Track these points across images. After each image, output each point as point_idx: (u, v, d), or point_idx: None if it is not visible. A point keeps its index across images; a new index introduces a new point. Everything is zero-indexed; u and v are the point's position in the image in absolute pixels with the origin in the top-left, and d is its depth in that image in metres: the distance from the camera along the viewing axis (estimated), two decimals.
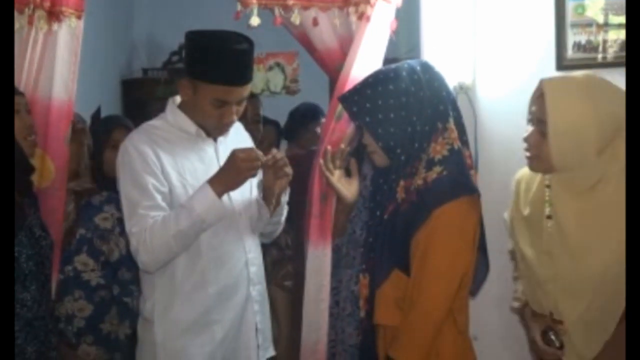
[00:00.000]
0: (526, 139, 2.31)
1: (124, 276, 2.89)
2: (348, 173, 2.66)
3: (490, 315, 3.02)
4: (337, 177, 2.60)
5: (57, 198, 2.71)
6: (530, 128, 2.31)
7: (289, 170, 2.51)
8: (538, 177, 2.36)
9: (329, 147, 2.65)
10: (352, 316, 2.83)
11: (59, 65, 2.74)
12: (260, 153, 2.45)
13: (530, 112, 2.31)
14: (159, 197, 2.43)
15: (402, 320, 2.27)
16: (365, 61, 2.82)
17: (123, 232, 2.80)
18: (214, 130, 2.55)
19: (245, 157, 2.41)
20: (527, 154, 2.32)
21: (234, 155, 2.42)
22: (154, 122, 2.58)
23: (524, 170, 2.45)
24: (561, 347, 2.32)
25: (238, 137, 2.68)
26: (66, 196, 2.79)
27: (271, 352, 2.71)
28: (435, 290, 2.23)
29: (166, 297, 2.49)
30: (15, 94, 2.47)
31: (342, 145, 2.68)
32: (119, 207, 2.81)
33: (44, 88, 2.71)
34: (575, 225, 2.23)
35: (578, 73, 2.36)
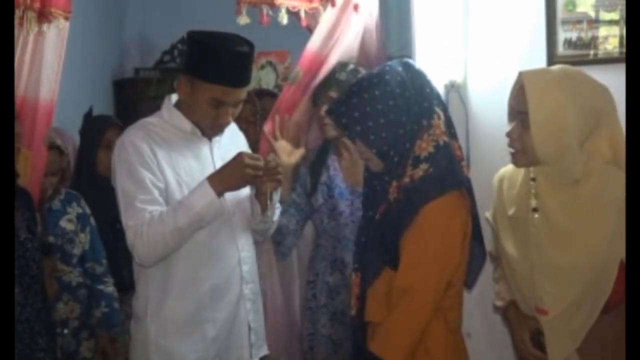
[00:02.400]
0: (509, 134, 2.33)
1: (95, 270, 2.90)
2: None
3: (484, 312, 3.02)
4: (279, 144, 2.90)
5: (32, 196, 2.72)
6: (512, 124, 2.33)
7: (281, 177, 2.54)
8: (521, 175, 2.37)
9: (277, 116, 2.94)
10: (326, 307, 2.93)
11: (45, 66, 2.75)
12: (263, 162, 2.46)
13: (510, 107, 2.33)
14: (156, 192, 2.43)
15: (386, 317, 2.27)
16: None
17: (83, 228, 2.82)
18: (209, 130, 2.55)
19: (252, 165, 2.42)
20: (511, 149, 2.34)
21: (241, 160, 2.43)
22: (150, 119, 2.59)
23: (506, 169, 2.47)
24: None
25: (232, 137, 2.69)
26: None
27: (265, 351, 2.72)
28: (422, 290, 2.23)
29: (159, 294, 2.50)
30: None
31: (289, 117, 2.94)
32: (79, 204, 2.84)
33: (33, 89, 2.73)
34: (561, 215, 2.26)
35: (554, 66, 2.40)
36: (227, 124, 2.54)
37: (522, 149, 2.30)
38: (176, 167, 2.50)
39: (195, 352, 2.50)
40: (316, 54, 3.00)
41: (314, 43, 3.01)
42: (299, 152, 2.94)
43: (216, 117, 2.48)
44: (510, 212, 2.38)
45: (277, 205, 2.68)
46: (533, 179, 2.32)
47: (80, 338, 2.83)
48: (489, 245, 2.54)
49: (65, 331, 2.80)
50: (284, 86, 3.13)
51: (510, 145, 2.33)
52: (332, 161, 2.95)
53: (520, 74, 2.30)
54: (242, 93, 2.50)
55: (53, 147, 2.94)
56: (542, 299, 2.29)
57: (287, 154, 2.90)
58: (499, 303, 2.50)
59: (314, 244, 2.99)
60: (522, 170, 2.38)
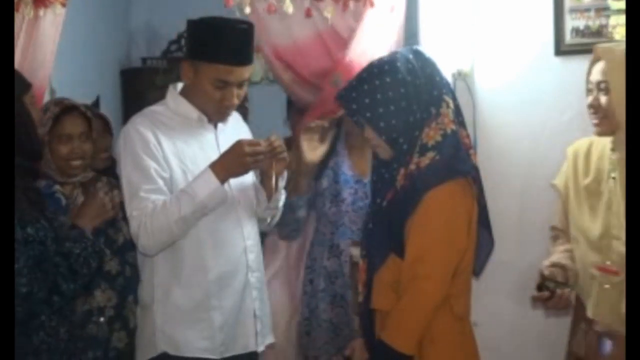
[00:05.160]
0: (591, 105, 2.49)
1: (135, 260, 2.92)
2: None
3: (492, 301, 3.02)
4: (306, 137, 2.78)
5: None
6: (590, 97, 2.49)
7: (286, 155, 2.54)
8: (599, 147, 2.54)
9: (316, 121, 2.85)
10: (325, 291, 2.94)
11: (40, 53, 2.76)
12: (264, 147, 2.46)
13: (588, 82, 2.51)
14: (160, 182, 2.45)
15: (395, 305, 2.28)
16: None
17: (125, 217, 2.82)
18: (215, 114, 2.56)
19: (251, 152, 2.43)
20: (595, 119, 2.49)
21: (241, 147, 2.43)
22: (155, 108, 2.60)
23: (580, 144, 2.62)
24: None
25: (237, 127, 2.69)
26: (73, 190, 2.81)
27: (270, 339, 2.73)
28: (427, 278, 2.23)
29: (165, 282, 2.51)
30: (32, 87, 2.44)
31: (325, 124, 2.83)
32: (120, 192, 2.84)
33: (27, 74, 2.73)
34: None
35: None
36: (232, 105, 2.53)
37: (604, 116, 2.45)
38: (181, 156, 2.50)
39: (202, 340, 2.51)
40: (356, 62, 2.95)
41: (354, 51, 2.98)
42: (323, 149, 2.91)
43: (221, 98, 2.48)
44: (586, 181, 2.52)
45: (283, 192, 2.69)
46: (613, 149, 2.47)
47: (113, 328, 2.83)
48: (553, 218, 2.68)
49: (102, 319, 2.81)
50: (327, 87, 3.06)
51: (594, 114, 2.48)
52: (341, 148, 2.95)
53: (596, 49, 2.50)
54: (246, 72, 2.50)
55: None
56: (613, 260, 2.43)
57: (312, 149, 2.87)
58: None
59: (312, 229, 2.99)
60: (599, 144, 2.55)
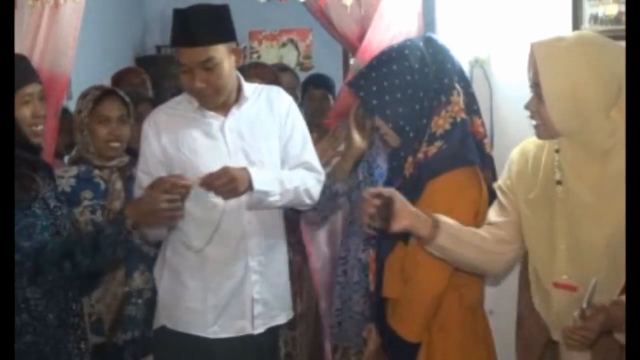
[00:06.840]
0: (526, 106, 2.21)
1: None
2: None
3: (507, 290, 3.01)
4: (355, 123, 2.71)
5: None
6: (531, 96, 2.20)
7: (231, 187, 2.46)
8: (545, 153, 2.25)
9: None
10: (359, 284, 2.94)
11: (61, 40, 2.78)
12: (174, 197, 2.31)
13: (529, 79, 2.20)
14: (145, 184, 2.48)
15: (401, 292, 2.29)
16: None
17: None
18: (199, 100, 2.59)
19: (167, 199, 2.30)
20: (533, 122, 2.21)
21: (154, 195, 2.31)
22: (177, 98, 2.68)
23: (527, 145, 2.33)
24: None
25: (261, 111, 2.67)
26: (111, 174, 2.90)
27: (281, 320, 2.76)
28: (431, 262, 2.23)
29: (169, 260, 2.67)
30: (31, 82, 2.45)
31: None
32: None
33: (48, 63, 2.76)
34: (584, 189, 2.12)
35: (570, 33, 2.28)
36: (199, 89, 2.52)
37: (542, 122, 2.17)
38: (180, 145, 2.58)
39: (197, 318, 2.61)
40: (375, 50, 2.88)
41: (372, 37, 2.97)
42: (367, 137, 2.84)
43: (188, 82, 2.51)
44: (531, 195, 2.24)
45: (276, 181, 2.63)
46: (557, 151, 2.20)
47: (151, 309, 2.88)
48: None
49: (140, 301, 2.85)
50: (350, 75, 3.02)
51: (531, 118, 2.21)
52: (376, 139, 2.91)
53: (531, 45, 2.17)
54: (198, 54, 2.47)
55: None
56: (569, 275, 2.16)
57: (361, 135, 2.81)
58: None
59: (346, 220, 2.98)
60: (545, 148, 2.26)
